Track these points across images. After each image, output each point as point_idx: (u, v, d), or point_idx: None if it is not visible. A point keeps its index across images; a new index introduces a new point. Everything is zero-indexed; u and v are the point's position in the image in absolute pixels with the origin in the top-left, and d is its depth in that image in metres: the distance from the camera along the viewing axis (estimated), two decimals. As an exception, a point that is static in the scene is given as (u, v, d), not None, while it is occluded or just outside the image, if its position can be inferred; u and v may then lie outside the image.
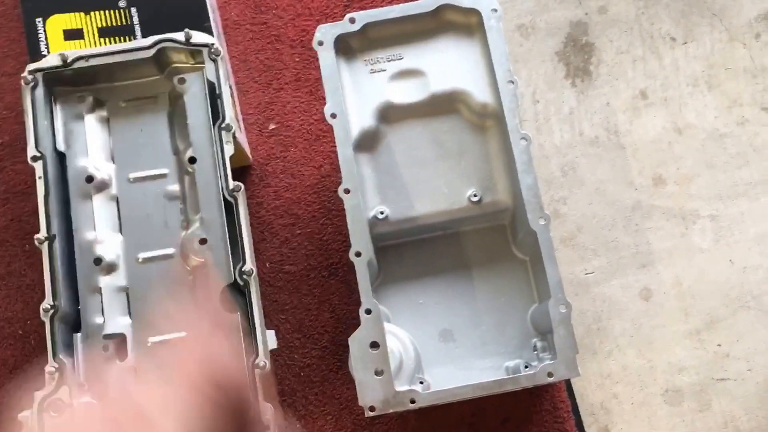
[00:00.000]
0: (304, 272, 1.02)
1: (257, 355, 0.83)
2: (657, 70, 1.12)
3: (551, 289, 0.84)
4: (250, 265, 0.85)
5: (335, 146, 0.87)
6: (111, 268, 0.88)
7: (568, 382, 1.01)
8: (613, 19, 1.14)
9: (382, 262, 0.94)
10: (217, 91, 0.90)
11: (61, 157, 0.91)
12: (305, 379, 1.00)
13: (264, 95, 1.08)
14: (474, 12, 0.92)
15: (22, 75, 0.90)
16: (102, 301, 0.87)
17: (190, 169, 0.90)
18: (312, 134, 1.06)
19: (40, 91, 0.90)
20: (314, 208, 1.04)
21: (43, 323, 0.83)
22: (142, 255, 0.90)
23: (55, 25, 1.00)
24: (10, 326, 1.00)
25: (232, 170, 0.89)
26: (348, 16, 0.91)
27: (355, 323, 0.83)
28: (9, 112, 1.07)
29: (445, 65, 0.93)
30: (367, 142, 0.91)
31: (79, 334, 0.85)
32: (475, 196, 0.91)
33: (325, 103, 0.89)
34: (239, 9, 1.11)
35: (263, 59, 1.09)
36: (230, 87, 0.95)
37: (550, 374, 0.82)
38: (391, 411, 0.81)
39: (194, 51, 0.92)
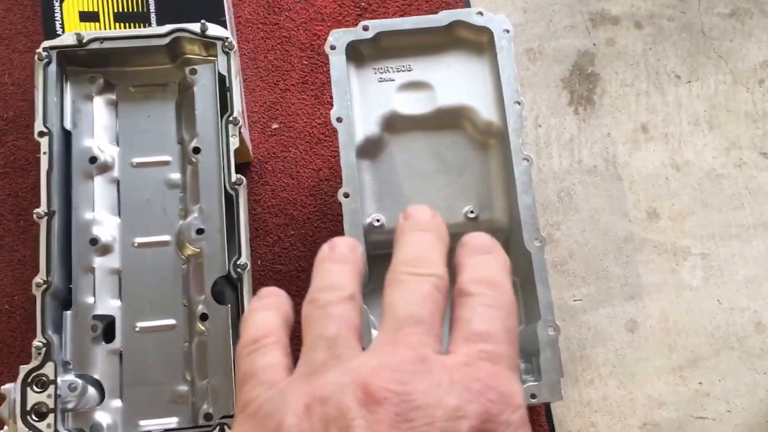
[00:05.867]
0: (294, 273, 1.02)
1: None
2: (660, 106, 1.13)
3: (541, 311, 0.83)
4: (245, 258, 0.85)
5: (335, 151, 0.87)
6: (106, 250, 0.88)
7: (547, 407, 1.01)
8: (620, 52, 1.15)
9: (374, 271, 0.93)
10: (228, 84, 0.91)
11: (66, 135, 0.91)
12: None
13: (270, 95, 1.08)
14: (486, 30, 0.93)
15: (37, 51, 0.90)
16: (94, 282, 0.87)
17: (193, 159, 0.90)
18: (313, 137, 1.07)
19: (52, 69, 0.90)
20: (310, 210, 1.04)
21: (30, 299, 0.83)
22: (138, 240, 0.89)
23: (72, 5, 1.00)
24: (-3, 300, 1.00)
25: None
26: (362, 23, 0.92)
27: (342, 327, 0.82)
28: (16, 88, 1.07)
29: (454, 80, 0.94)
30: (369, 149, 0.91)
31: (68, 312, 0.85)
32: (471, 212, 0.91)
33: (329, 108, 0.90)
34: (252, 8, 1.12)
35: (272, 59, 1.10)
36: (240, 82, 0.95)
37: (533, 396, 0.81)
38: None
39: (208, 43, 0.92)
